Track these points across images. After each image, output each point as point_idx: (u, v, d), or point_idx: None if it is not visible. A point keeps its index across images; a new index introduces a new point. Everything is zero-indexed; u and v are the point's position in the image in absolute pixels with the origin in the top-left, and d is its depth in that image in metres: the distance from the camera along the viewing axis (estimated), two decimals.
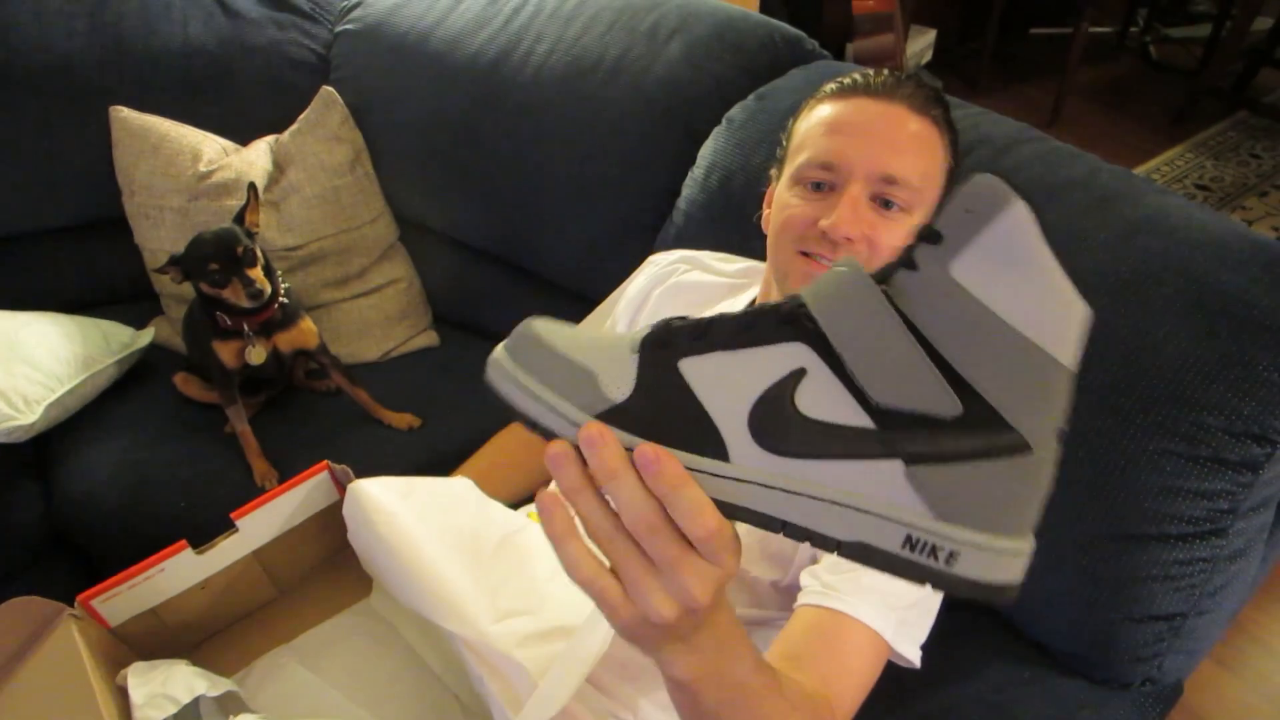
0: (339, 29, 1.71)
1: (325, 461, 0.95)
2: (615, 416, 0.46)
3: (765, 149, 1.22)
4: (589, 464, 0.45)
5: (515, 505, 1.14)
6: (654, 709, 0.92)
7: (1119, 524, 0.89)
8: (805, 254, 0.91)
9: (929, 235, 0.40)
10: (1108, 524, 0.90)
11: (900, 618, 0.83)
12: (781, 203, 0.93)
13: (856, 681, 0.80)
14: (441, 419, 1.47)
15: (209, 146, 1.54)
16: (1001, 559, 0.41)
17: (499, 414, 1.44)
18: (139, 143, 1.51)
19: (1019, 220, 0.38)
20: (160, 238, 1.52)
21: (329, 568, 1.05)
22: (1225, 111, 3.54)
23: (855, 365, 0.41)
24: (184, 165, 1.50)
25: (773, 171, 1.02)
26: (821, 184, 0.90)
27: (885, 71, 0.93)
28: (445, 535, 0.90)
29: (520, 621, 0.84)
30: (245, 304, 1.27)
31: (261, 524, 0.95)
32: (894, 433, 0.41)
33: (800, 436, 0.43)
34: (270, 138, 1.60)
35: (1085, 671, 0.98)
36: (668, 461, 0.43)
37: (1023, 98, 3.66)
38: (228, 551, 0.94)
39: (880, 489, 0.42)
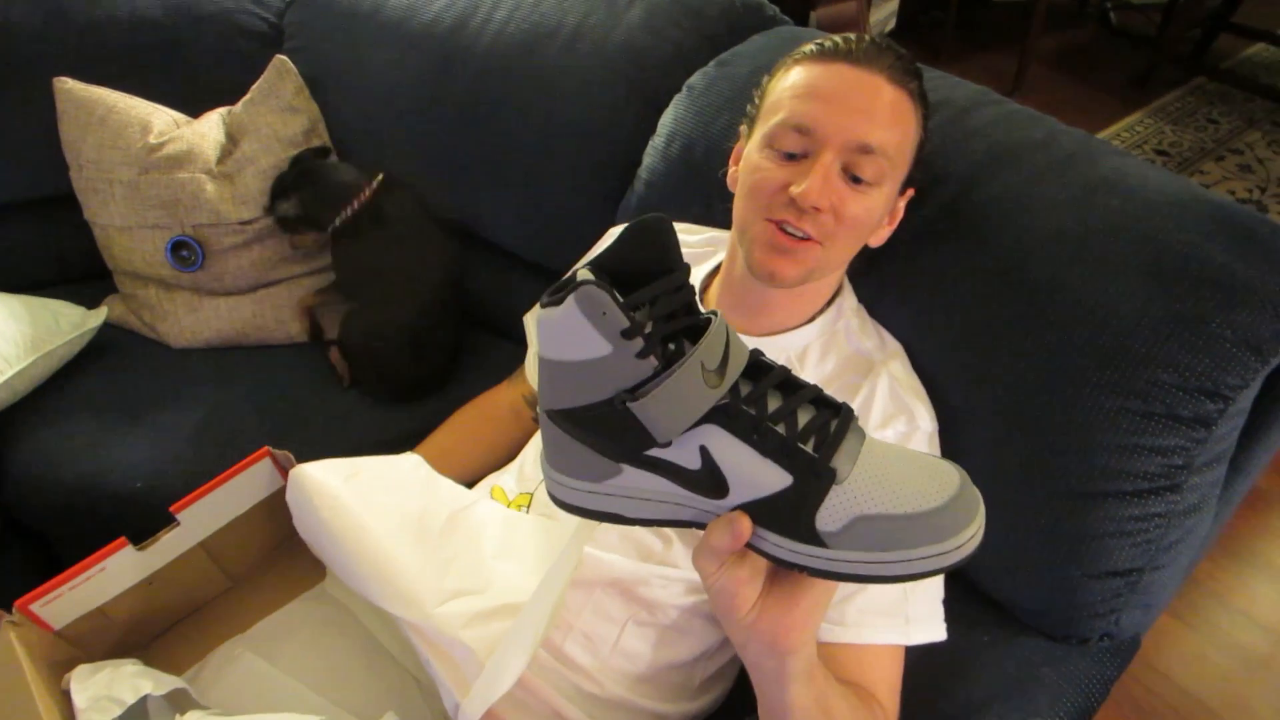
0: None
1: (266, 448, 0.93)
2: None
3: (726, 116, 1.21)
4: None
5: (477, 480, 1.13)
6: (619, 682, 0.93)
7: (1076, 481, 0.90)
8: (770, 219, 0.90)
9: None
10: (1065, 481, 0.91)
11: (908, 614, 0.85)
12: (752, 164, 0.92)
13: (888, 691, 0.84)
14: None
15: (159, 118, 1.50)
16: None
17: (462, 389, 1.43)
18: (85, 115, 1.46)
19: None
20: (111, 212, 1.48)
21: (281, 554, 1.03)
22: (1184, 77, 3.57)
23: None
24: (133, 137, 1.46)
25: (742, 127, 1.01)
26: (794, 153, 0.89)
27: (866, 38, 0.92)
28: (390, 516, 0.89)
29: (466, 601, 0.83)
30: None
31: (203, 515, 0.93)
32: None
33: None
34: (223, 109, 1.56)
35: (1045, 629, 0.99)
36: None
37: (986, 65, 3.67)
38: (171, 546, 0.92)
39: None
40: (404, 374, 1.44)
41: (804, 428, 0.55)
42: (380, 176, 1.45)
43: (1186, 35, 3.56)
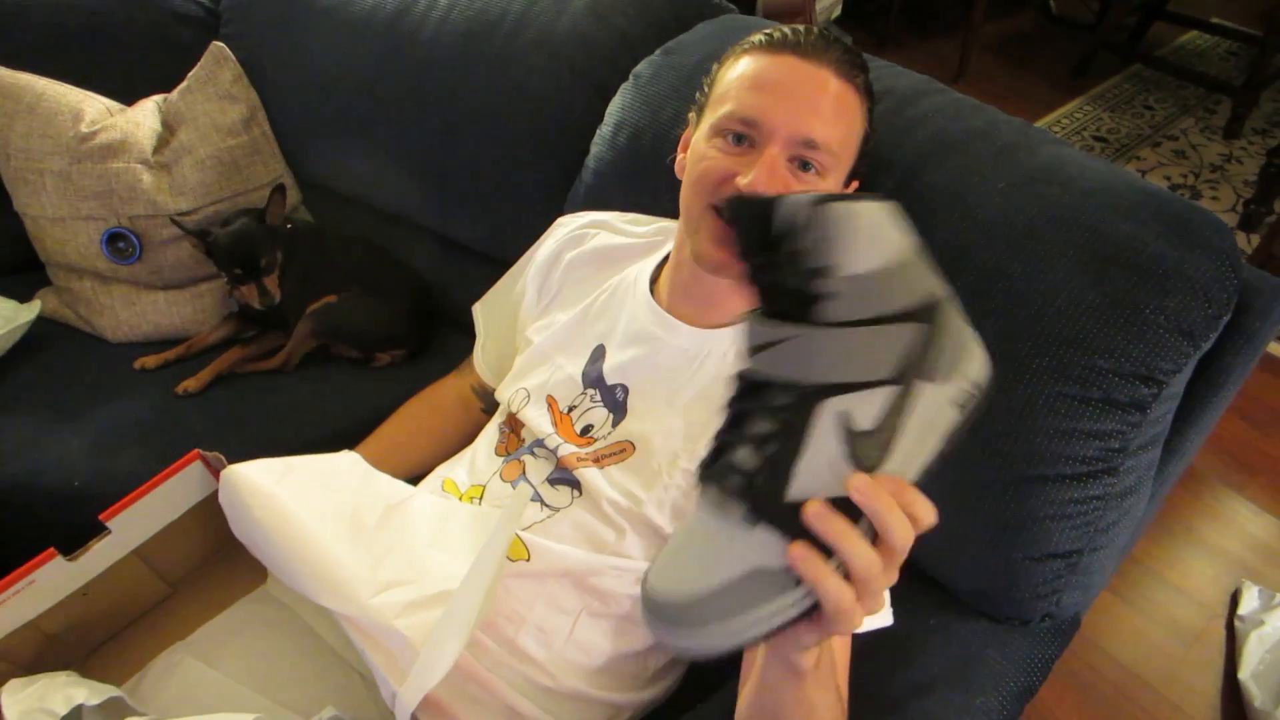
0: None
1: (196, 450, 0.91)
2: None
3: (673, 105, 1.21)
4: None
5: (426, 472, 1.12)
6: (573, 673, 0.93)
7: (1017, 466, 0.92)
8: (717, 209, 0.90)
9: (818, 271, 0.51)
10: (1007, 466, 0.93)
11: None
12: (699, 153, 0.93)
13: (841, 676, 0.84)
14: (351, 386, 1.44)
15: (90, 106, 1.45)
16: (981, 359, 0.60)
17: (413, 379, 1.41)
18: (12, 103, 1.41)
19: (854, 212, 0.51)
20: (42, 203, 1.43)
21: (221, 558, 1.01)
22: (1121, 65, 3.65)
23: (861, 374, 0.53)
24: (64, 126, 1.41)
25: (691, 115, 1.01)
26: (742, 137, 0.89)
27: (815, 30, 0.92)
28: (324, 512, 0.89)
29: (401, 591, 0.83)
30: (257, 306, 1.39)
31: (135, 522, 0.90)
32: (907, 375, 0.54)
33: (884, 441, 0.54)
34: (158, 96, 1.52)
35: (988, 611, 1.01)
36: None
37: (930, 52, 3.71)
38: (103, 555, 0.89)
39: (931, 407, 0.56)
40: (409, 315, 1.51)
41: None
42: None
43: (1123, 23, 3.63)
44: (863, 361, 0.53)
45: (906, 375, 0.54)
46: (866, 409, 0.54)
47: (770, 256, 0.53)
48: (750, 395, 0.56)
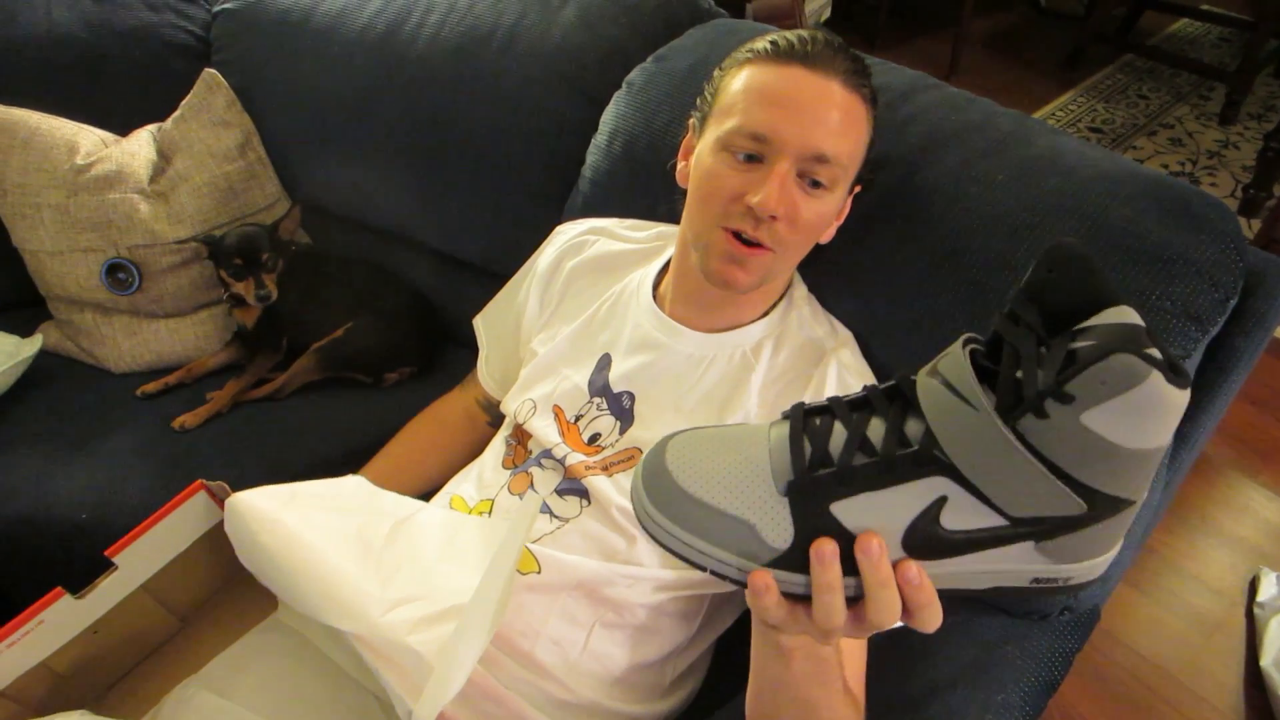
0: (217, 8, 1.63)
1: (199, 480, 0.91)
2: (783, 561, 0.54)
3: (667, 111, 1.20)
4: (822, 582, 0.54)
5: (436, 488, 1.12)
6: (590, 686, 0.92)
7: None
8: (727, 229, 0.90)
9: (1060, 396, 0.46)
10: None
11: None
12: (707, 169, 0.92)
13: (855, 680, 0.83)
14: (357, 406, 1.44)
15: (85, 138, 1.46)
16: (1097, 568, 0.54)
17: (418, 396, 1.39)
18: (7, 138, 1.41)
19: (1153, 390, 0.45)
20: (40, 237, 1.43)
21: (230, 588, 1.00)
22: (1113, 55, 3.65)
23: (990, 490, 0.50)
24: (59, 159, 1.41)
25: (692, 121, 1.00)
26: (751, 154, 0.88)
27: (820, 37, 0.91)
28: (331, 533, 0.88)
29: (412, 608, 0.82)
30: (252, 302, 1.40)
31: (142, 556, 0.89)
32: (1025, 525, 0.50)
33: (948, 547, 0.52)
34: (152, 126, 1.52)
35: (1006, 607, 1.01)
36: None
37: (921, 51, 3.72)
38: (111, 591, 0.89)
39: (1014, 560, 0.52)
40: (416, 334, 1.54)
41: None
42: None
43: (1113, 13, 3.63)
44: (1008, 488, 0.49)
45: (1023, 527, 0.50)
46: (964, 515, 0.51)
47: (1042, 324, 0.48)
48: (893, 399, 0.54)
